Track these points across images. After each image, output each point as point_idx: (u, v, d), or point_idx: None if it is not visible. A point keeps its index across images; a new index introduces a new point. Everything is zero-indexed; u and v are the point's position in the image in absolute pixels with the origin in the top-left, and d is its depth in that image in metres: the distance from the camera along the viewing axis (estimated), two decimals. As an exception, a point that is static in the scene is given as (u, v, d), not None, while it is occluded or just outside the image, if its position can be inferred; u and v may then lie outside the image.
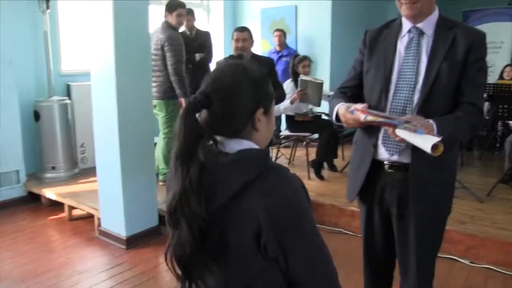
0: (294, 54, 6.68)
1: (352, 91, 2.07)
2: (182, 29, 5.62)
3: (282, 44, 6.83)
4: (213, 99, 1.11)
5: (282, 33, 6.81)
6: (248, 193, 1.04)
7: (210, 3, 7.75)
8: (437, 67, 1.79)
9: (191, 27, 5.76)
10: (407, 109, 1.82)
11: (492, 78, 7.32)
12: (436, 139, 1.53)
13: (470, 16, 8.16)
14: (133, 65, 3.71)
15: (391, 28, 1.96)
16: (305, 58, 5.47)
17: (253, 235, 1.04)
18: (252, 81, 1.15)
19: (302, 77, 5.15)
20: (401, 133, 1.63)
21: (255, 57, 4.03)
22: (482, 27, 7.65)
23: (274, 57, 6.60)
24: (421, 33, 1.86)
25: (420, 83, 1.82)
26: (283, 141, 5.73)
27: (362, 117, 1.70)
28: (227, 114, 1.12)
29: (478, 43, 1.79)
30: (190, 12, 5.69)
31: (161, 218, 4.08)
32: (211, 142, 1.12)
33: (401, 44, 1.90)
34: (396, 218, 1.96)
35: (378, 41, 1.96)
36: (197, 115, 1.10)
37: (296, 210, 1.07)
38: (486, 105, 6.05)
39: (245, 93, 1.12)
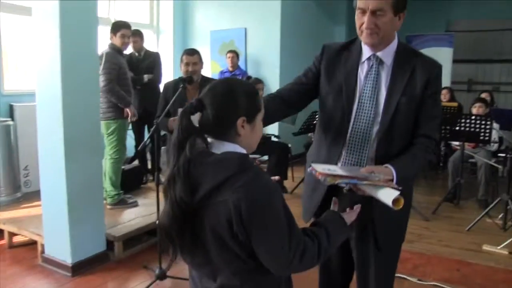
0: (245, 75, 6.78)
1: (291, 98, 1.96)
2: (130, 50, 5.57)
3: (235, 65, 6.91)
4: (206, 104, 1.34)
5: (235, 55, 6.89)
6: (224, 188, 1.25)
7: (160, 24, 7.72)
8: (395, 102, 1.78)
9: (139, 48, 5.71)
10: (366, 141, 1.82)
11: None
12: (396, 193, 1.52)
13: (412, 40, 8.52)
14: (80, 86, 3.60)
15: (351, 51, 1.91)
16: (259, 81, 5.54)
17: (227, 222, 1.25)
18: (241, 93, 1.37)
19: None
20: (362, 187, 1.62)
21: (206, 79, 3.98)
22: (423, 52, 8.13)
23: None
24: (380, 62, 1.84)
25: (379, 115, 1.81)
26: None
27: (321, 179, 1.61)
28: (215, 118, 1.33)
29: (436, 77, 1.81)
30: (137, 33, 5.64)
31: (109, 243, 3.95)
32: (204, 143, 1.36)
33: (361, 71, 1.87)
34: (356, 241, 1.96)
35: (338, 64, 1.91)
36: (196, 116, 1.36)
37: (261, 207, 1.25)
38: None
39: (232, 102, 1.35)
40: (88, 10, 3.63)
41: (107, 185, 4.72)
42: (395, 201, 1.51)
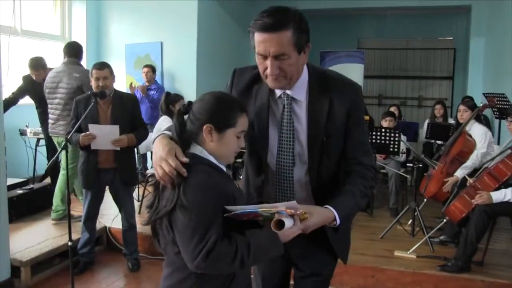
0: (161, 90, 6.63)
1: None
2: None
3: (151, 80, 6.73)
4: (192, 108, 1.56)
5: (150, 69, 6.71)
6: None
7: (72, 36, 7.39)
8: (320, 143, 1.69)
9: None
10: (290, 182, 1.76)
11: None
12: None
13: (326, 56, 8.83)
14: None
15: (263, 85, 1.73)
16: (180, 97, 5.45)
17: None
18: (218, 104, 1.53)
19: None
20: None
21: (118, 94, 3.85)
22: (336, 67, 8.48)
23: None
24: (293, 99, 1.71)
25: (305, 156, 1.72)
26: (150, 180, 5.54)
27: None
28: (191, 120, 1.55)
29: (356, 104, 1.70)
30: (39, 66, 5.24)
31: (14, 269, 3.65)
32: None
33: (276, 107, 1.74)
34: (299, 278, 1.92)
35: (249, 99, 1.76)
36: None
37: (181, 206, 1.43)
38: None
39: (206, 108, 1.53)
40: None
41: (56, 199, 4.57)
42: (274, 223, 1.45)
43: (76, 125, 3.49)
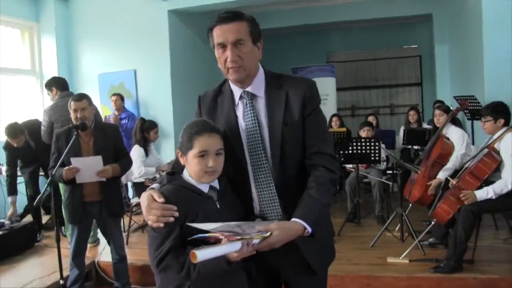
0: (131, 118, 6.61)
1: None
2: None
3: (120, 108, 6.71)
4: None
5: (118, 97, 6.69)
6: None
7: (43, 69, 7.34)
8: (280, 133, 1.78)
9: None
10: (268, 175, 1.80)
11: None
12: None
13: (297, 72, 8.91)
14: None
15: (224, 94, 1.90)
16: (154, 124, 5.47)
17: None
18: (183, 132, 1.77)
19: None
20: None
21: (99, 124, 3.83)
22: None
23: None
24: (253, 96, 1.83)
25: (268, 147, 1.80)
26: (134, 209, 5.49)
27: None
28: None
29: (310, 94, 1.81)
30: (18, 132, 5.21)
31: None
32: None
33: (239, 112, 1.85)
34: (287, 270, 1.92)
35: (216, 110, 1.90)
36: None
37: None
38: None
39: (181, 136, 1.79)
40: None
41: None
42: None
43: (60, 160, 3.44)
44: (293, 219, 1.67)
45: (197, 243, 1.58)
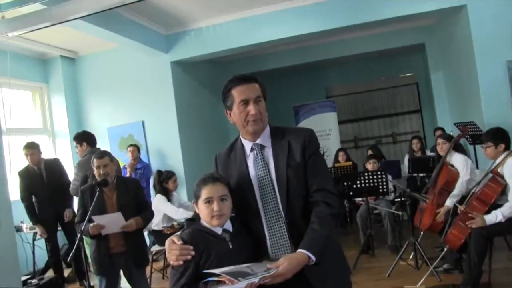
0: (147, 168, 6.80)
1: None
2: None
3: (136, 159, 6.89)
4: None
5: (135, 148, 6.90)
6: None
7: (54, 128, 7.59)
8: (284, 174, 2.02)
9: (37, 161, 5.60)
10: (278, 214, 2.02)
11: (329, 162, 8.21)
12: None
13: (299, 110, 9.18)
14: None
15: (236, 149, 2.16)
16: (173, 173, 5.64)
17: None
18: (196, 184, 2.07)
19: None
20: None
21: (121, 179, 3.99)
22: (311, 119, 8.84)
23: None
24: (262, 147, 2.09)
25: (276, 188, 2.04)
26: (154, 257, 5.60)
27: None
28: None
29: (309, 141, 2.07)
30: (34, 146, 5.61)
31: None
32: None
33: (250, 163, 2.11)
34: None
35: (230, 164, 2.16)
36: None
37: None
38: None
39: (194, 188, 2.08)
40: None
41: None
42: None
43: (87, 216, 3.58)
44: (298, 250, 1.90)
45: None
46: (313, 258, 1.87)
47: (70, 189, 5.14)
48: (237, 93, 2.04)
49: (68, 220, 5.55)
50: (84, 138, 5.32)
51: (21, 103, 7.26)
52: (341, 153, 7.55)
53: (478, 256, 3.78)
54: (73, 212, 5.56)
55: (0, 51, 4.97)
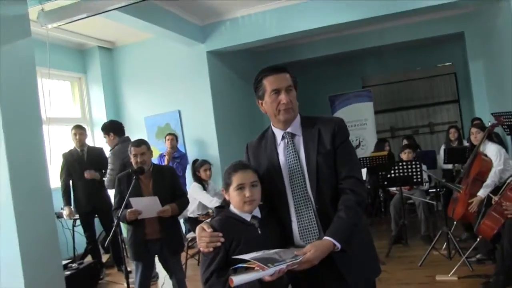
0: (183, 157, 6.95)
1: None
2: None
3: (174, 147, 7.00)
4: None
5: (174, 137, 7.00)
6: None
7: (93, 117, 7.87)
8: (314, 161, 2.06)
9: (82, 143, 5.82)
10: (308, 200, 2.07)
11: (365, 151, 8.20)
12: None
13: (335, 100, 9.18)
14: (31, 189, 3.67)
15: (267, 138, 2.22)
16: (205, 162, 5.76)
17: None
18: (225, 172, 2.14)
19: None
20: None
21: (156, 167, 4.09)
22: (346, 109, 8.84)
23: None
24: (292, 135, 2.14)
25: (306, 175, 2.08)
26: (189, 244, 5.76)
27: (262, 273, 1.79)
28: None
29: (339, 129, 2.11)
30: (81, 127, 5.87)
31: None
32: None
33: (280, 151, 2.15)
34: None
35: (261, 152, 2.22)
36: None
37: None
38: (365, 175, 6.75)
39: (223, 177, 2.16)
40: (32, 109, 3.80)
41: None
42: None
43: (124, 202, 3.68)
44: (324, 238, 1.95)
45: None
46: (338, 245, 1.92)
47: (106, 180, 5.31)
48: (268, 83, 2.10)
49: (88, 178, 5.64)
50: (111, 128, 5.49)
51: (61, 93, 7.52)
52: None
53: (511, 246, 3.75)
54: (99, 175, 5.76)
55: (39, 43, 5.16)
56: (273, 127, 2.21)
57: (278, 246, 2.01)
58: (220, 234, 1.99)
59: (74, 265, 5.27)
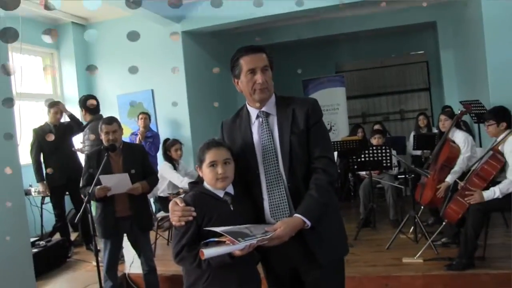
0: (156, 137, 6.91)
1: None
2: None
3: (147, 127, 6.95)
4: None
5: (146, 116, 6.95)
6: None
7: (64, 93, 7.71)
8: (288, 141, 2.10)
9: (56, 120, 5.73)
10: (280, 179, 2.11)
11: (336, 136, 8.29)
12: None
13: (309, 84, 9.22)
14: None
15: (242, 117, 2.25)
16: (176, 141, 5.75)
17: None
18: (199, 150, 2.16)
19: None
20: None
21: (127, 145, 4.09)
22: (319, 93, 8.89)
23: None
24: (267, 114, 2.18)
25: (279, 154, 2.12)
26: (159, 223, 5.74)
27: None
28: None
29: (313, 110, 2.15)
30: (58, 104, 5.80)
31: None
32: None
33: (255, 129, 2.19)
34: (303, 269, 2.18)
35: (235, 130, 2.25)
36: None
37: None
38: (336, 159, 6.84)
39: (197, 154, 2.19)
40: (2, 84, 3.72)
41: None
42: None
43: (95, 179, 3.65)
44: (294, 215, 2.01)
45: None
46: (308, 223, 1.98)
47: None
48: (245, 62, 2.12)
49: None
50: (83, 105, 5.47)
51: (30, 68, 7.33)
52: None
53: (474, 230, 3.89)
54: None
55: (12, 15, 4.99)
56: (248, 106, 2.24)
57: (250, 223, 2.05)
58: (192, 209, 2.03)
59: (42, 243, 5.21)
